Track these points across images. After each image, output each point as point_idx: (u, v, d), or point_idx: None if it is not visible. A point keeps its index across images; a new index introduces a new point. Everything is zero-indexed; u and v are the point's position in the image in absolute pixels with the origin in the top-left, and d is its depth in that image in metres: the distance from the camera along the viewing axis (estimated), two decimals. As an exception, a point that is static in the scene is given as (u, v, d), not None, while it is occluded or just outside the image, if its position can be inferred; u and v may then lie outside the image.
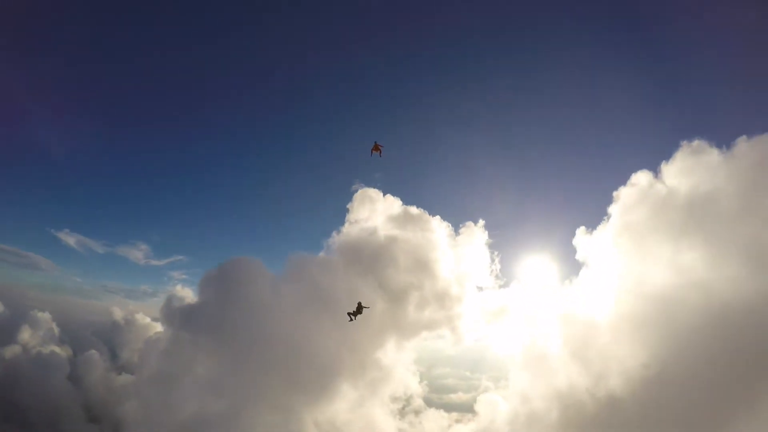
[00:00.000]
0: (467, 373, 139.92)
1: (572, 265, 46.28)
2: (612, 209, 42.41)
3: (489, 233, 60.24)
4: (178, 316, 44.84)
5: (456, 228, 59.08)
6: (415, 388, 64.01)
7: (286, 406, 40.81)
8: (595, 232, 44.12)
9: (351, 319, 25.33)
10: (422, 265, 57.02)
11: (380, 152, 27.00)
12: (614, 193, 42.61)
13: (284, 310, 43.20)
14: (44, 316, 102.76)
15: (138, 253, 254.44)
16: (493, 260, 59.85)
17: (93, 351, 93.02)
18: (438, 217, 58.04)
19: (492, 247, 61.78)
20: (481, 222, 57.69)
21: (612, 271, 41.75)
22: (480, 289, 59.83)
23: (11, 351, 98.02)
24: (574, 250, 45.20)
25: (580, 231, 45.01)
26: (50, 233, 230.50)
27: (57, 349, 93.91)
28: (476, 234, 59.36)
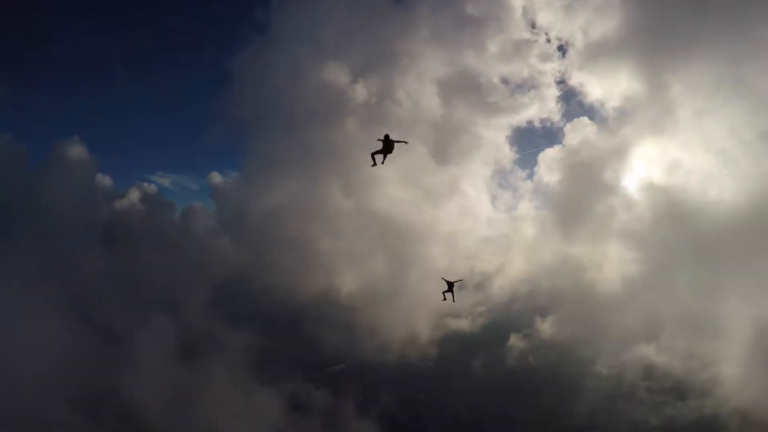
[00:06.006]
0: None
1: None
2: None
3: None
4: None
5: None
6: (506, 154, 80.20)
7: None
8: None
9: (374, 163, 18.45)
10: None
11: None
12: None
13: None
14: (151, 187, 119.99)
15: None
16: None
17: (198, 203, 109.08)
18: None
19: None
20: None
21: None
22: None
23: (119, 204, 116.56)
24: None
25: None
26: (146, 178, 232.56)
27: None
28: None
